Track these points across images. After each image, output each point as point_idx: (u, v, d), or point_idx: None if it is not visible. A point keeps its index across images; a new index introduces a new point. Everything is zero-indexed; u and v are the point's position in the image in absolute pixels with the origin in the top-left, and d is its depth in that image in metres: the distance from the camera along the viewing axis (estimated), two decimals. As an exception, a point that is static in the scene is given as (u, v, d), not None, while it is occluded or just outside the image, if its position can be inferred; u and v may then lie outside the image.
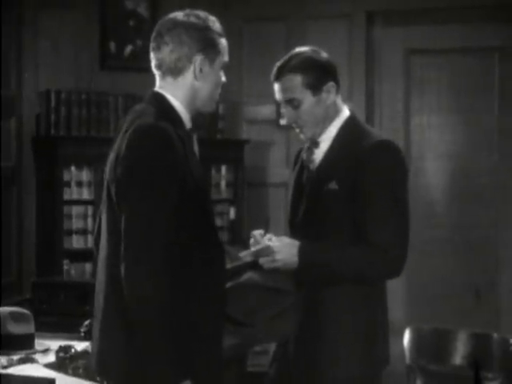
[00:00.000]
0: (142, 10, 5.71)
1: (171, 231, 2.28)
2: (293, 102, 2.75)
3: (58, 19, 5.42)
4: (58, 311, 4.21)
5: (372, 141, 2.70)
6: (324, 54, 2.79)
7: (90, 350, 2.80)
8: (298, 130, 2.81)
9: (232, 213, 5.77)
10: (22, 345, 3.18)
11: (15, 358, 3.03)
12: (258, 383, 3.82)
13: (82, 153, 5.20)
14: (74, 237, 5.24)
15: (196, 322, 2.35)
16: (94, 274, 3.34)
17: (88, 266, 5.23)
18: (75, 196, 5.26)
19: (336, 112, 2.79)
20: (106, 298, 2.38)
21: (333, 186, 2.69)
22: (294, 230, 2.81)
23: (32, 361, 3.02)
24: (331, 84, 2.76)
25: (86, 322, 3.46)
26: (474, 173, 5.62)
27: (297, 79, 2.73)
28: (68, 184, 5.23)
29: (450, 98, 5.69)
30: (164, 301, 2.23)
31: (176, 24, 2.42)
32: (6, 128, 5.20)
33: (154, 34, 2.46)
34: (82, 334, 3.43)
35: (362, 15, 5.73)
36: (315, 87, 2.74)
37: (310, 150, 2.82)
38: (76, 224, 5.24)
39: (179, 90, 2.44)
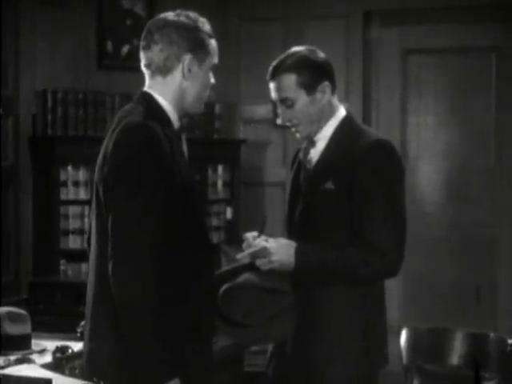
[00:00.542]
0: (139, 9, 5.71)
1: (159, 230, 2.28)
2: (287, 102, 2.75)
3: (55, 19, 5.42)
4: (55, 311, 4.21)
5: (368, 140, 2.70)
6: (320, 54, 2.79)
7: (85, 350, 2.80)
8: (293, 129, 2.81)
9: (229, 213, 5.77)
10: (18, 345, 3.18)
11: (12, 358, 3.03)
12: (256, 383, 3.83)
13: (78, 152, 5.19)
14: (71, 237, 5.23)
15: (186, 321, 2.35)
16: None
17: (85, 266, 5.22)
18: (72, 196, 5.25)
19: (332, 112, 2.79)
20: (94, 297, 2.39)
21: (329, 185, 2.69)
22: (291, 230, 2.82)
23: (29, 361, 3.01)
24: (326, 84, 2.76)
25: (83, 323, 3.44)
26: (470, 172, 5.63)
27: (291, 78, 2.74)
28: (65, 184, 5.23)
29: (446, 97, 5.70)
30: (152, 300, 2.24)
31: (166, 23, 2.43)
32: (3, 127, 5.19)
33: (144, 33, 2.47)
34: (79, 335, 3.42)
35: (358, 15, 5.74)
36: (309, 87, 2.74)
37: (307, 150, 2.82)
38: (73, 224, 5.24)
39: (168, 89, 2.44)
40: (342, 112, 2.81)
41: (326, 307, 2.71)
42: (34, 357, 3.12)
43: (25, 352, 3.16)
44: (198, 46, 2.44)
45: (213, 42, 2.49)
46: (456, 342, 3.51)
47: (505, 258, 5.53)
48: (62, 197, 5.22)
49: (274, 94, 2.79)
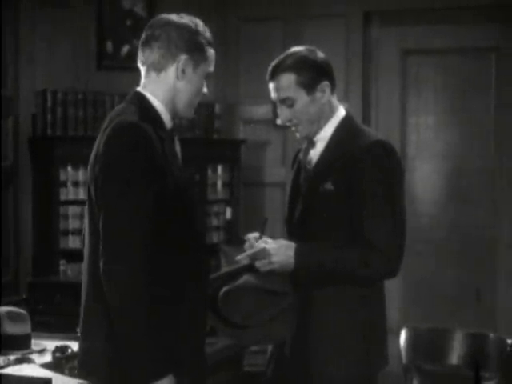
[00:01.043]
0: (139, 9, 5.71)
1: (151, 230, 2.27)
2: (287, 101, 2.76)
3: (54, 19, 5.42)
4: (55, 311, 4.21)
5: (368, 141, 2.70)
6: (320, 54, 2.80)
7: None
8: (293, 129, 2.81)
9: (228, 213, 5.77)
10: (18, 345, 3.18)
11: (12, 358, 3.03)
12: (255, 383, 3.83)
13: (78, 153, 5.17)
14: (71, 237, 5.24)
15: (180, 321, 2.35)
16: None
17: (84, 266, 5.22)
18: (71, 196, 5.25)
19: (331, 111, 2.79)
20: (87, 296, 2.39)
21: (329, 186, 2.69)
22: (291, 230, 2.82)
23: (28, 361, 3.01)
24: (325, 83, 2.76)
25: (82, 322, 3.45)
26: (470, 173, 5.63)
27: (291, 78, 2.74)
28: (64, 184, 5.23)
29: (446, 98, 5.70)
30: (143, 298, 2.23)
31: (169, 22, 2.44)
32: (3, 128, 5.19)
33: (145, 29, 2.47)
34: (79, 334, 3.42)
35: (358, 15, 5.74)
36: (309, 86, 2.74)
37: (307, 150, 2.82)
38: (72, 224, 5.24)
39: (160, 88, 2.44)
40: (341, 112, 2.81)
41: (326, 308, 2.71)
42: (34, 356, 3.12)
43: (24, 352, 3.16)
44: (195, 49, 2.44)
45: (211, 51, 2.49)
46: (456, 342, 3.51)
47: (504, 259, 5.53)
48: (62, 197, 5.22)
49: (273, 94, 2.79)
